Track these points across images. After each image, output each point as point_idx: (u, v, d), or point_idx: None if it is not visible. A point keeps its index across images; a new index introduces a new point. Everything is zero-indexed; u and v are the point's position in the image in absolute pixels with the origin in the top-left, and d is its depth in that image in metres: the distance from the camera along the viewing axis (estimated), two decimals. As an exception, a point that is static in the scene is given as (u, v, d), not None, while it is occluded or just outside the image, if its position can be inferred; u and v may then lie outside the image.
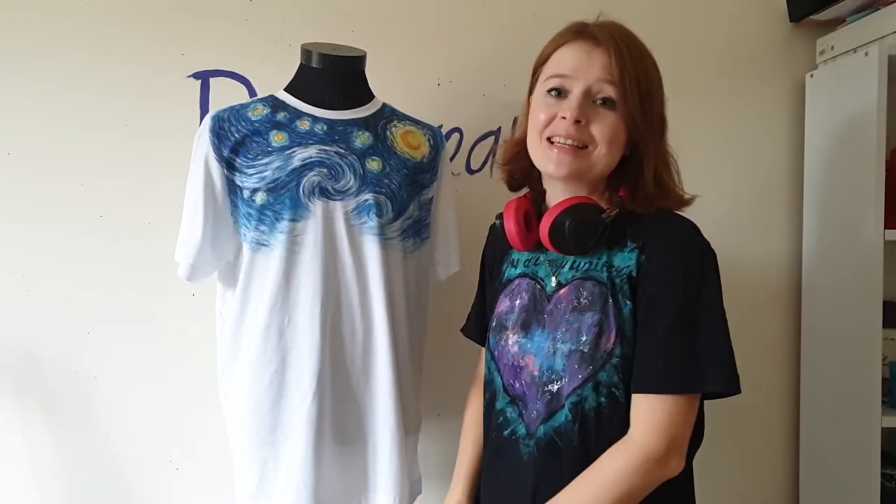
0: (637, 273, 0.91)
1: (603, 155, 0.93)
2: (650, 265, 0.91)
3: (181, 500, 1.51)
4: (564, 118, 0.92)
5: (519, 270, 1.05)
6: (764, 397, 1.67)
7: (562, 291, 0.97)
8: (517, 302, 1.01)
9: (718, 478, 1.67)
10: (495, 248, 1.13)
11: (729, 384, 0.88)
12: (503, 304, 1.04)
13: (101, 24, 1.44)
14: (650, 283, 0.90)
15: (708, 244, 0.92)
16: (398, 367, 1.17)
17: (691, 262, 0.90)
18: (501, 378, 1.01)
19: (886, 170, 1.38)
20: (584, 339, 0.91)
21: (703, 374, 0.87)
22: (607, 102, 0.92)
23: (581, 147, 0.93)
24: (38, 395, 1.46)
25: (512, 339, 0.99)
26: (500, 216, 1.01)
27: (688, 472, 0.95)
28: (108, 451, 1.49)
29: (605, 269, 0.93)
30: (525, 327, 0.98)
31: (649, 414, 0.88)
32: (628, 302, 0.91)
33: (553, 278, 0.99)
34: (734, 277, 1.71)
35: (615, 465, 0.88)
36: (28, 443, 1.46)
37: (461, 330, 1.21)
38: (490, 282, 1.14)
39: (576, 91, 0.92)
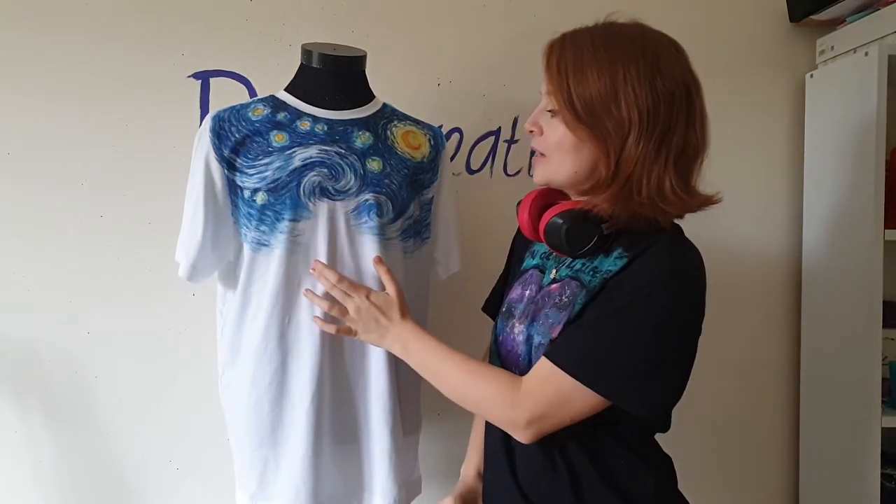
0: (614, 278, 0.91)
1: (553, 161, 0.94)
2: (625, 275, 0.90)
3: (181, 501, 1.51)
4: None
5: (535, 262, 1.07)
6: (764, 397, 1.67)
7: (553, 286, 0.99)
8: (526, 292, 1.04)
9: (718, 478, 1.67)
10: (523, 236, 1.13)
11: (621, 395, 0.87)
12: (515, 292, 1.07)
13: (101, 24, 1.44)
14: (612, 287, 0.90)
15: (691, 276, 0.90)
16: (396, 367, 1.17)
17: (657, 280, 0.88)
18: (501, 363, 1.03)
19: (886, 170, 1.38)
20: (553, 335, 0.93)
21: (605, 373, 0.87)
22: (553, 111, 0.94)
23: (544, 154, 0.96)
24: (39, 395, 1.46)
25: (518, 329, 1.01)
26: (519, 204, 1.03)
27: (649, 448, 0.98)
28: (108, 451, 1.49)
29: (591, 271, 0.95)
30: (528, 318, 1.00)
31: (543, 380, 0.90)
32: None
33: (554, 271, 1.01)
34: (734, 277, 1.73)
35: (488, 378, 0.95)
36: (28, 443, 1.46)
37: (482, 308, 1.22)
38: (513, 267, 1.16)
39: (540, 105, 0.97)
